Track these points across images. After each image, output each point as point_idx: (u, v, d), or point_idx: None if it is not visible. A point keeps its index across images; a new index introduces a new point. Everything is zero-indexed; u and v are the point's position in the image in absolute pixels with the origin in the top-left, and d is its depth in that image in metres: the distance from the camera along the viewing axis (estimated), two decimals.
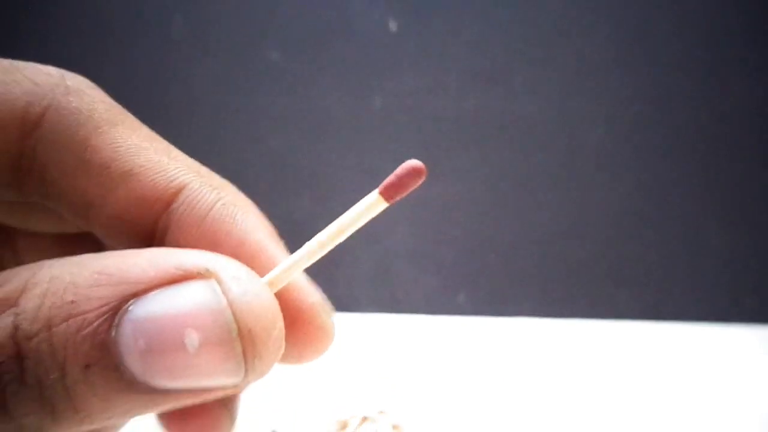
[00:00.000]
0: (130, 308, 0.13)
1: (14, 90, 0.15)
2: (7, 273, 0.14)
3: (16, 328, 0.13)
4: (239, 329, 0.14)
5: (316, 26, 0.70)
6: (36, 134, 0.15)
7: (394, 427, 0.44)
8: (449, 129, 0.69)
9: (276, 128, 0.70)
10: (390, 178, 0.15)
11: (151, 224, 0.16)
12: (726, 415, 0.48)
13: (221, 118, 0.70)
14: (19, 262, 0.19)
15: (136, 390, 0.13)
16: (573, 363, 0.56)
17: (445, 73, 0.69)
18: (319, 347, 0.17)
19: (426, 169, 0.15)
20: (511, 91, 0.69)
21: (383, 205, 0.15)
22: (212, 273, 0.14)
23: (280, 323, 0.15)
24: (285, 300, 0.16)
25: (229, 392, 0.14)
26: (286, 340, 0.15)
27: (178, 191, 0.16)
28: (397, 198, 0.15)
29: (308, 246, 0.16)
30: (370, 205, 0.15)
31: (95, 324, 0.13)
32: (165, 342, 0.13)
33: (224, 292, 0.14)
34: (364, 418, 0.44)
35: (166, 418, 0.16)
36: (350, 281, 0.65)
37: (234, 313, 0.14)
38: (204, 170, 0.17)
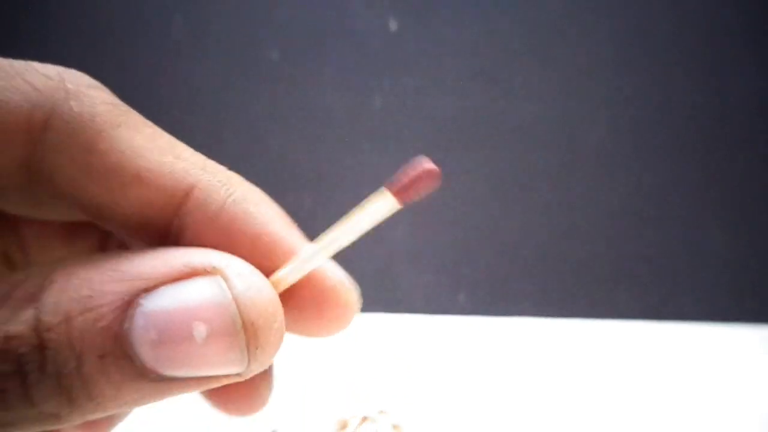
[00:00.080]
0: (142, 302, 0.14)
1: (15, 97, 0.15)
2: (27, 271, 0.15)
3: (37, 321, 0.14)
4: (243, 322, 0.15)
5: (316, 26, 0.70)
6: (42, 141, 0.15)
7: (394, 427, 0.44)
8: (449, 129, 0.69)
9: (276, 128, 0.70)
10: (405, 180, 0.15)
11: (165, 225, 0.16)
12: (726, 415, 0.48)
13: (221, 118, 0.70)
14: (24, 249, 0.20)
15: (147, 378, 0.14)
16: (573, 363, 0.56)
17: (445, 73, 0.69)
18: (343, 320, 0.18)
19: (439, 171, 0.15)
20: (511, 91, 0.69)
21: (396, 207, 0.16)
22: (218, 270, 0.15)
23: (281, 317, 0.16)
24: (311, 277, 0.17)
25: (232, 381, 0.15)
26: (314, 314, 0.17)
27: (188, 192, 0.16)
28: (411, 200, 0.16)
29: (318, 244, 0.16)
30: (383, 206, 0.16)
31: (110, 317, 0.14)
32: (174, 333, 0.14)
33: (229, 288, 0.15)
34: (364, 418, 0.44)
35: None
36: None
37: (238, 307, 0.15)
38: (210, 165, 0.17)
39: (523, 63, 0.69)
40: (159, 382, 0.14)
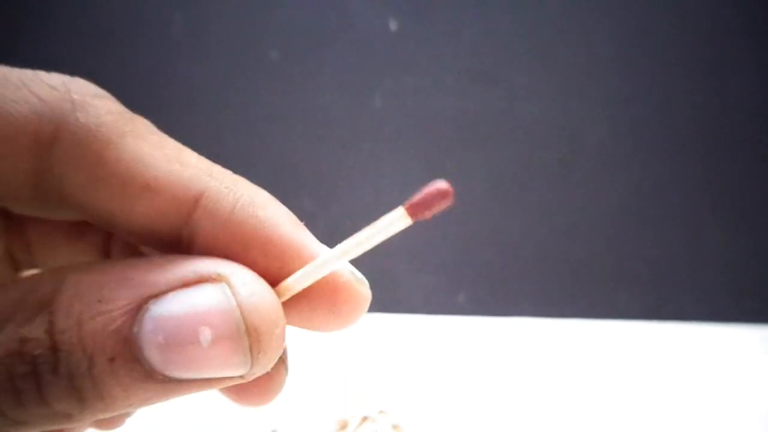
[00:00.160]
0: (150, 307, 0.15)
1: (23, 109, 0.15)
2: (40, 276, 0.15)
3: (51, 324, 0.14)
4: (246, 327, 0.15)
5: (316, 26, 0.70)
6: (50, 152, 0.16)
7: (394, 427, 0.44)
8: (449, 129, 0.69)
9: (276, 128, 0.70)
10: (418, 198, 0.16)
11: (175, 232, 0.17)
12: (726, 415, 0.48)
13: (221, 118, 0.70)
14: (29, 248, 0.20)
15: (154, 380, 0.15)
16: (573, 363, 0.56)
17: (445, 73, 0.69)
18: (356, 314, 0.18)
19: (452, 192, 0.16)
20: (511, 91, 0.69)
21: (407, 221, 0.16)
22: (223, 277, 0.15)
23: (283, 322, 0.16)
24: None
25: (236, 383, 0.16)
26: (327, 308, 0.17)
27: (197, 200, 0.16)
28: (422, 217, 0.16)
29: (329, 254, 0.17)
30: (395, 221, 0.16)
31: (119, 321, 0.14)
32: (181, 337, 0.15)
33: (234, 294, 0.15)
34: (364, 418, 0.44)
35: None
36: None
37: (242, 313, 0.15)
38: (216, 171, 0.17)
39: (523, 63, 0.69)
40: (166, 384, 0.15)
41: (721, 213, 0.68)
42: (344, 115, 0.70)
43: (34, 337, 0.14)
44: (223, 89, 0.70)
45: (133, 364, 0.14)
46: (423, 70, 0.69)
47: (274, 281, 0.17)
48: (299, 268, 0.17)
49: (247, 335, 0.15)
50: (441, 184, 0.16)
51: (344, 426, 0.43)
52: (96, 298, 0.14)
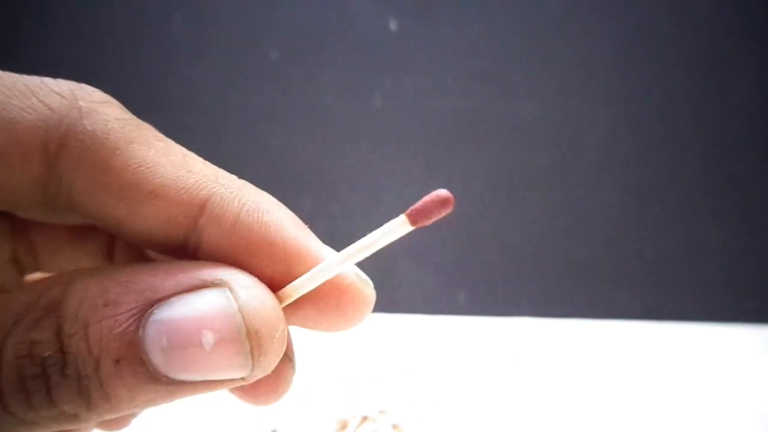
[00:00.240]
0: (155, 311, 0.15)
1: (31, 117, 0.16)
2: (47, 281, 0.16)
3: (59, 327, 0.15)
4: (248, 330, 0.16)
5: (316, 26, 0.70)
6: (58, 160, 0.16)
7: (394, 427, 0.44)
8: (449, 129, 0.69)
9: (276, 128, 0.70)
10: (419, 205, 0.16)
11: (182, 237, 0.17)
12: (726, 415, 0.48)
13: (221, 118, 0.70)
14: (33, 252, 0.21)
15: (158, 382, 0.15)
16: (573, 363, 0.56)
17: (445, 73, 0.69)
18: (361, 314, 0.19)
19: (452, 199, 0.16)
20: (511, 91, 0.69)
21: (408, 228, 0.16)
22: (225, 282, 0.16)
23: (283, 326, 0.17)
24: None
25: (238, 385, 0.16)
26: (333, 309, 0.18)
27: (202, 206, 0.17)
28: (422, 224, 0.16)
29: (332, 259, 0.17)
30: (396, 228, 0.17)
31: (125, 324, 0.15)
32: (184, 340, 0.15)
33: (235, 299, 0.16)
34: (364, 418, 0.44)
35: None
36: None
37: (244, 317, 0.16)
38: (222, 176, 0.17)
39: (523, 63, 0.69)
40: (170, 385, 0.15)
41: (721, 213, 0.68)
42: (344, 115, 0.70)
43: (43, 339, 0.15)
44: (223, 89, 0.70)
45: (138, 366, 0.15)
46: (423, 70, 0.69)
47: (279, 284, 0.17)
48: (304, 272, 0.17)
49: (248, 338, 0.16)
50: (442, 193, 0.16)
51: (344, 426, 0.44)
52: (102, 302, 0.15)
